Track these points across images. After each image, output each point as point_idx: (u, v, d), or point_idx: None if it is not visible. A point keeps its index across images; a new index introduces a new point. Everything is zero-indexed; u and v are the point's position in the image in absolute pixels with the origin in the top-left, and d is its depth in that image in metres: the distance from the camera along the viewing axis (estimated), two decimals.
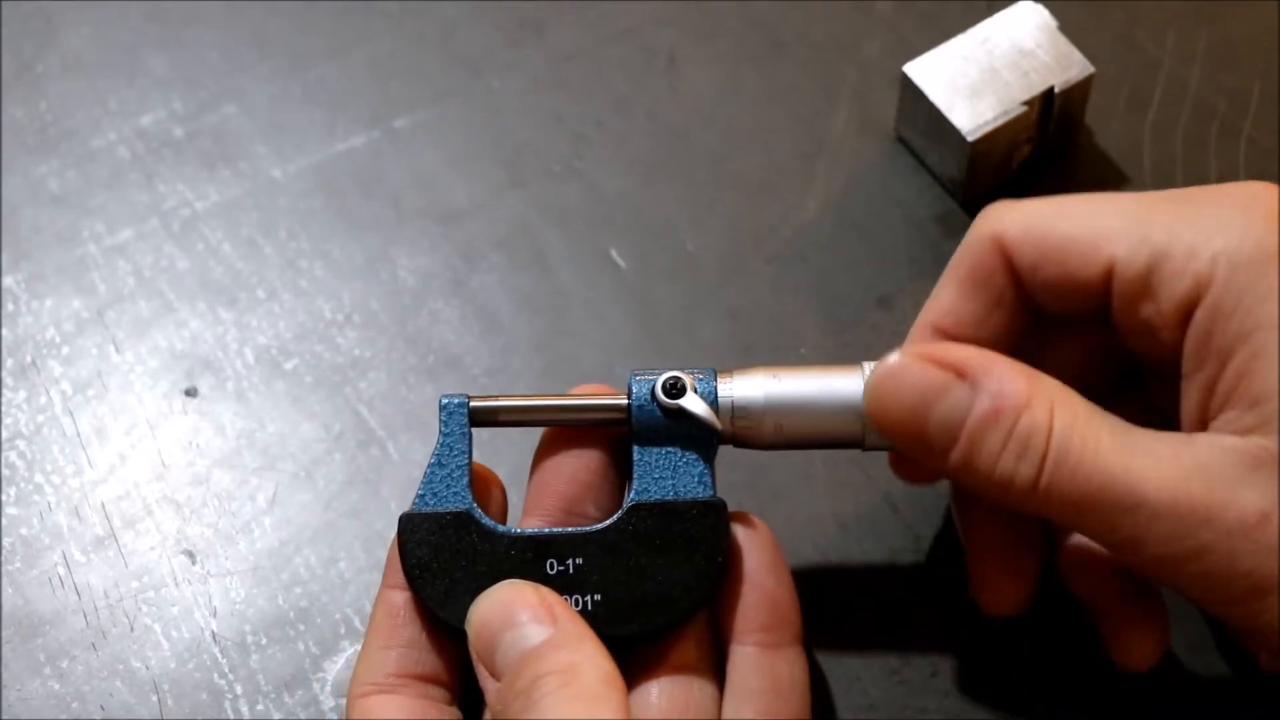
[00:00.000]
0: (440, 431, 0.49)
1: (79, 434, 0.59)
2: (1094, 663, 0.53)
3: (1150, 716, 0.53)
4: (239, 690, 0.54)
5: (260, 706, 0.54)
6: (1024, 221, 0.48)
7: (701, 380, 0.49)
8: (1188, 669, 0.53)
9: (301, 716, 0.54)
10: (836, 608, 0.55)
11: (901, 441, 0.47)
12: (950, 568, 0.55)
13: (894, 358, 0.47)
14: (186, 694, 0.54)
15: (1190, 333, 0.45)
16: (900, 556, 0.56)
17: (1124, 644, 0.50)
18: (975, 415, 0.45)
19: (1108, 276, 0.46)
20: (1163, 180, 0.62)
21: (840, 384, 0.49)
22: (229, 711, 0.54)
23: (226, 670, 0.55)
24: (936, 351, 0.46)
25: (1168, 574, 0.45)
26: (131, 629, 0.55)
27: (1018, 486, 0.45)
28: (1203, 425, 0.45)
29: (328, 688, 0.54)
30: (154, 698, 0.54)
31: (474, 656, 0.46)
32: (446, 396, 0.49)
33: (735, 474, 0.57)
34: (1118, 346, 0.48)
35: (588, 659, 0.44)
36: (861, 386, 0.48)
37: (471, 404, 0.49)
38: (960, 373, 0.45)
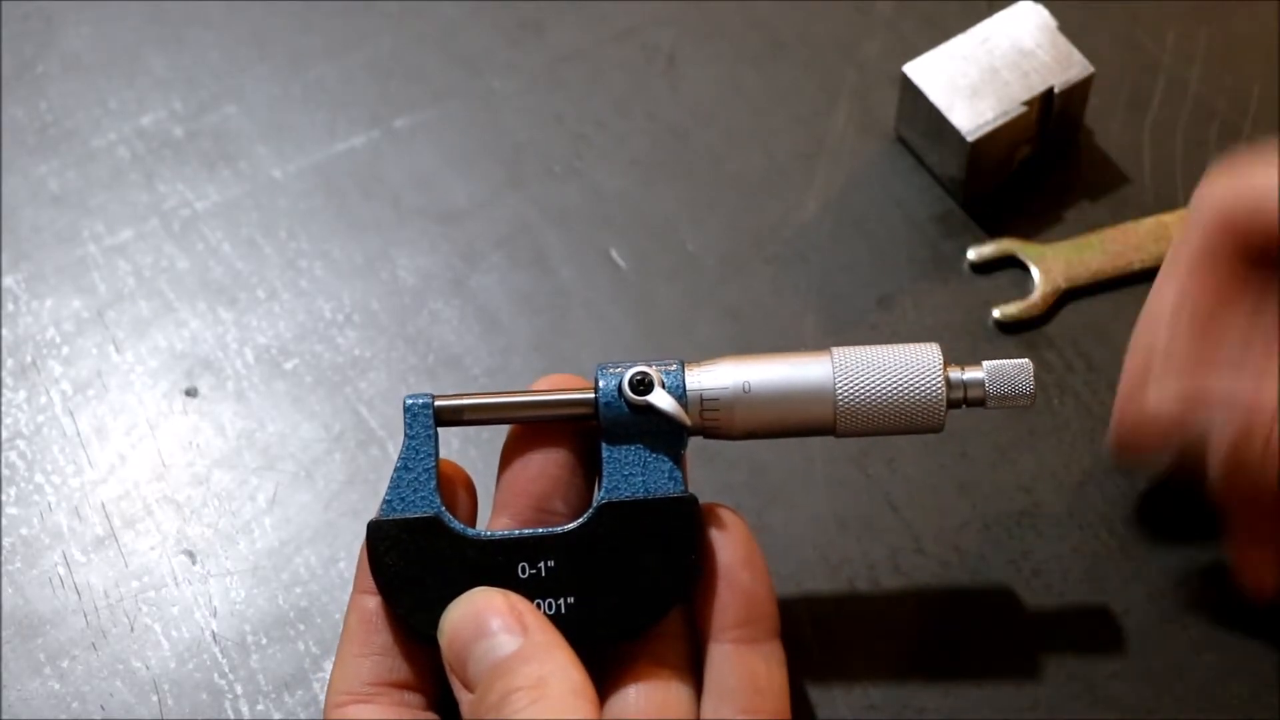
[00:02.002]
0: (405, 434, 0.48)
1: (79, 434, 0.59)
2: (1093, 663, 0.53)
3: (1148, 714, 0.53)
4: (239, 690, 0.54)
5: (260, 706, 0.54)
6: (1266, 196, 0.48)
7: (670, 373, 0.48)
8: (1189, 668, 0.53)
9: (301, 716, 0.54)
10: (836, 608, 0.55)
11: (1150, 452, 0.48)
12: (951, 568, 0.55)
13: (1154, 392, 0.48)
14: (186, 694, 0.54)
15: None
16: (900, 556, 0.56)
17: None
18: (1234, 424, 0.46)
19: None
20: (1162, 180, 0.62)
21: (810, 370, 0.48)
22: (229, 711, 0.54)
23: (226, 670, 0.55)
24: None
25: None
26: (131, 629, 0.55)
27: None
28: None
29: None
30: (154, 698, 0.54)
31: (446, 667, 0.46)
32: (411, 397, 0.48)
33: (735, 474, 0.57)
34: None
35: (557, 670, 0.43)
36: (831, 372, 0.48)
37: (436, 404, 0.48)
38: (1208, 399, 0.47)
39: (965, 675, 0.53)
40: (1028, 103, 0.59)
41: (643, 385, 0.48)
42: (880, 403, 0.48)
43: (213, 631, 0.55)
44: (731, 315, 0.61)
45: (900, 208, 0.63)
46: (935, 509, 0.56)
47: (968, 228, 0.62)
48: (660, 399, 0.47)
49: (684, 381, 0.48)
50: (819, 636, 0.54)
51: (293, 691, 0.54)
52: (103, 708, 0.54)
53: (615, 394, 0.48)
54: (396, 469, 0.48)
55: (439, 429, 0.48)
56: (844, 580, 0.55)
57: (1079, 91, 0.61)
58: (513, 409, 0.49)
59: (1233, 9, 0.66)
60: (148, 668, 0.55)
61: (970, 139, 0.59)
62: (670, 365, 0.48)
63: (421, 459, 0.48)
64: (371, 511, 0.57)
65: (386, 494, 0.48)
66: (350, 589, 0.55)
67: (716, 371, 0.48)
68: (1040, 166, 0.62)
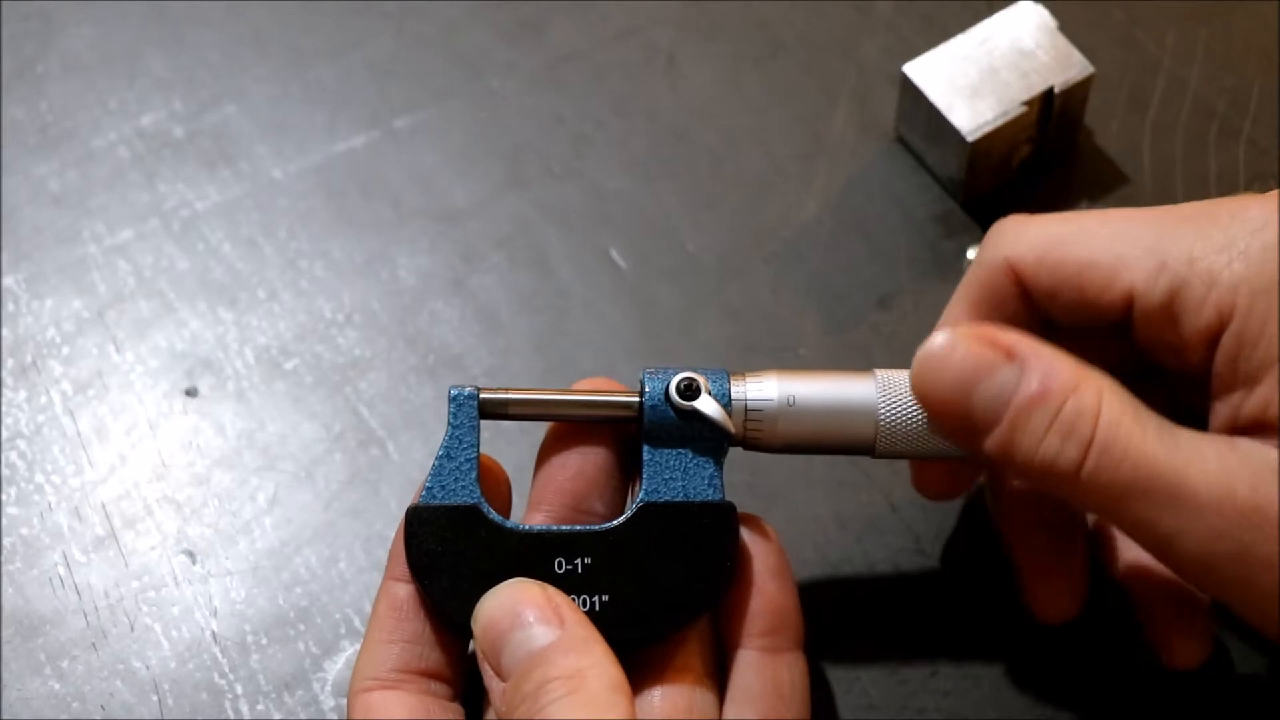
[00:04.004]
0: (449, 423, 0.48)
1: (79, 434, 0.59)
2: (1093, 662, 0.53)
3: (1148, 714, 0.53)
4: (239, 690, 0.54)
5: (260, 706, 0.54)
6: (1038, 245, 0.48)
7: (715, 381, 0.49)
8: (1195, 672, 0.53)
9: (301, 716, 0.54)
10: (836, 607, 0.55)
11: (944, 419, 0.47)
12: (950, 567, 0.55)
13: (942, 336, 0.46)
14: (186, 694, 0.54)
15: (1217, 358, 0.45)
16: (900, 556, 0.56)
17: (1173, 644, 0.51)
18: (1022, 395, 0.44)
19: (1127, 302, 0.46)
20: (1162, 180, 0.62)
21: (854, 390, 0.48)
22: (229, 711, 0.54)
23: (226, 670, 0.55)
24: (986, 332, 0.46)
25: (1203, 573, 0.44)
26: (132, 629, 0.56)
27: (1060, 469, 0.44)
28: None
29: (328, 688, 0.54)
30: (154, 698, 0.54)
31: (479, 655, 0.46)
32: (456, 388, 0.48)
33: (735, 474, 0.56)
34: (1137, 350, 0.48)
35: (595, 664, 0.43)
36: (875, 393, 0.48)
37: (481, 396, 0.49)
38: (1009, 354, 0.45)
39: (965, 675, 0.53)
40: (1028, 103, 0.60)
41: (690, 390, 0.48)
42: (921, 427, 0.48)
43: (213, 631, 0.55)
44: (731, 315, 0.61)
45: (900, 208, 0.63)
46: (936, 509, 0.56)
47: (968, 228, 0.62)
48: (707, 405, 0.48)
49: (729, 390, 0.48)
50: (819, 636, 0.54)
51: (293, 691, 0.54)
52: (103, 708, 0.54)
53: (661, 397, 0.48)
54: (438, 457, 0.48)
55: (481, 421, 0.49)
56: (844, 580, 0.55)
57: (1079, 91, 0.61)
58: (557, 406, 0.49)
59: (1233, 9, 0.66)
60: (148, 668, 0.55)
61: (970, 139, 0.59)
62: (715, 375, 0.49)
63: (464, 449, 0.48)
64: (372, 512, 0.57)
65: (427, 481, 0.48)
66: (351, 589, 0.56)
67: (762, 383, 0.49)
68: (1040, 166, 0.62)
